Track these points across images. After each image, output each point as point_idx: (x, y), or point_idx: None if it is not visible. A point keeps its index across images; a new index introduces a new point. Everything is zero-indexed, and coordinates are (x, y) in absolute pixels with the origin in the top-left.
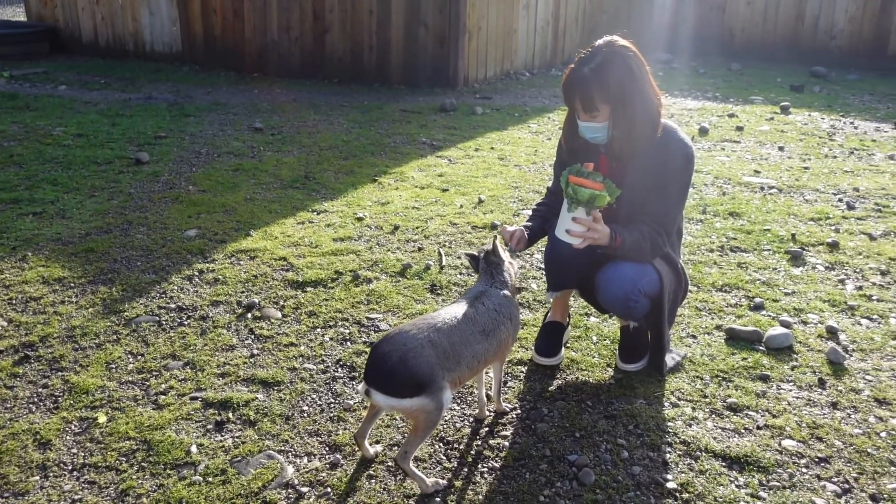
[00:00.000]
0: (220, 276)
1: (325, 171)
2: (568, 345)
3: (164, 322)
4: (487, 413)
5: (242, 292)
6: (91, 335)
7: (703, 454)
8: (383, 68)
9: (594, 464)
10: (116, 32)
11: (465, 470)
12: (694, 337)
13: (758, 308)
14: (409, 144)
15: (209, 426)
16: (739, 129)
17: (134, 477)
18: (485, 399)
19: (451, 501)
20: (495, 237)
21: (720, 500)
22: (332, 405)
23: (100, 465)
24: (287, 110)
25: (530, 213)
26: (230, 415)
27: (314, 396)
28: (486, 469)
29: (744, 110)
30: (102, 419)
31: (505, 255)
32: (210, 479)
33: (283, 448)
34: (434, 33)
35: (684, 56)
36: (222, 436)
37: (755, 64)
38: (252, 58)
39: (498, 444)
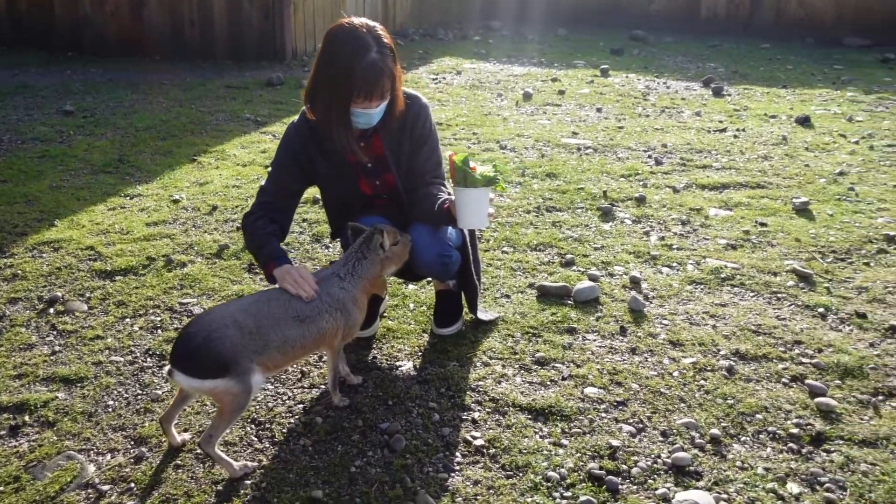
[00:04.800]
0: (18, 272)
1: (140, 153)
2: (385, 314)
3: None
4: (339, 403)
5: (44, 286)
6: None
7: (511, 409)
8: (207, 43)
9: (405, 429)
10: None
11: (277, 449)
12: (508, 297)
13: (569, 264)
14: (232, 121)
15: (2, 432)
16: (561, 92)
17: None
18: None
19: (262, 483)
20: (383, 230)
21: (525, 451)
22: (140, 397)
23: None
24: (102, 91)
25: (262, 233)
26: (26, 418)
27: (120, 390)
28: (298, 447)
29: (566, 74)
30: None
31: (378, 252)
32: (1, 488)
33: (84, 447)
34: (258, 5)
35: (514, 23)
36: (17, 441)
37: (581, 29)
38: (64, 36)
39: (311, 420)
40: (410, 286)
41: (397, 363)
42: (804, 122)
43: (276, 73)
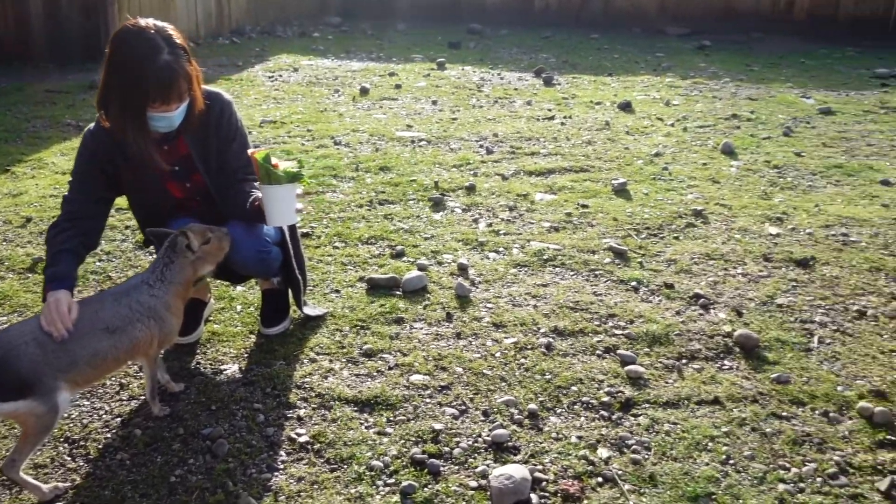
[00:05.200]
0: None
1: None
2: (210, 318)
3: None
4: (158, 412)
5: None
6: None
7: (337, 403)
8: (24, 44)
9: (229, 433)
10: None
11: (92, 467)
12: (338, 291)
13: (399, 255)
14: (51, 128)
15: None
16: (398, 87)
17: None
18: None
19: (75, 503)
20: (187, 231)
21: (350, 443)
22: None
23: None
24: None
25: (57, 249)
26: None
27: None
28: (115, 462)
29: (404, 69)
30: None
31: (186, 255)
32: None
33: None
34: (79, 3)
35: (354, 19)
36: None
37: (420, 24)
38: None
39: (129, 433)
40: (238, 288)
41: (222, 367)
42: (626, 107)
43: None
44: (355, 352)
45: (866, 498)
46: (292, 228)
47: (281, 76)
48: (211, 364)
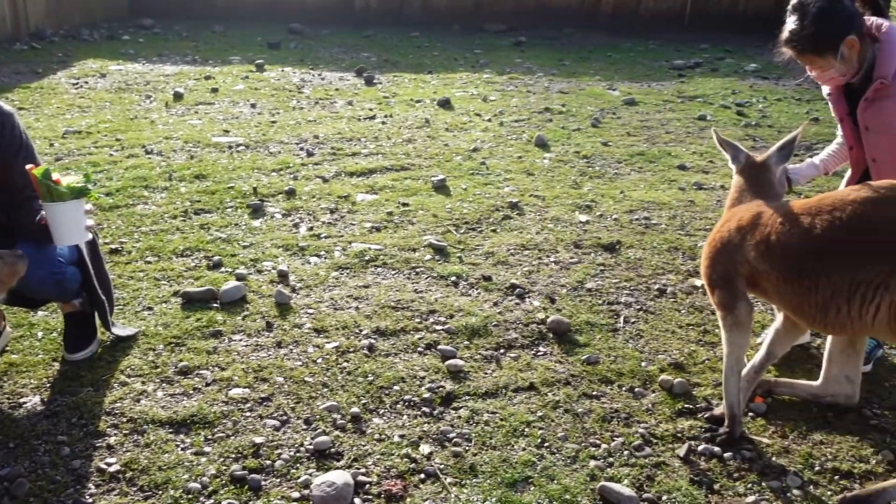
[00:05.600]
0: None
1: None
2: (7, 349)
3: None
4: None
5: None
6: None
7: (150, 426)
8: None
9: (30, 471)
10: None
11: None
12: (150, 308)
13: (216, 266)
14: None
15: None
16: (215, 90)
17: None
18: None
19: None
20: None
21: (165, 467)
22: None
23: None
24: None
25: None
26: None
27: None
28: None
29: (221, 71)
30: None
31: None
32: None
33: None
34: None
35: (167, 21)
36: None
37: (239, 24)
38: None
39: None
40: (40, 313)
41: (21, 400)
42: (445, 104)
43: None
44: (170, 371)
45: (668, 465)
46: (91, 245)
47: (87, 83)
48: (8, 398)
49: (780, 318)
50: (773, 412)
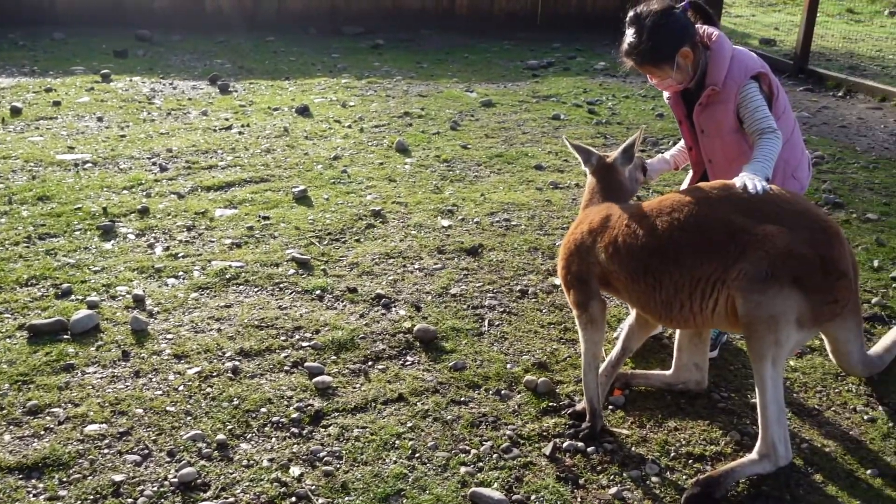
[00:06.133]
0: None
1: None
2: None
3: None
4: None
5: None
6: None
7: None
8: None
9: None
10: None
11: None
12: None
13: (65, 295)
14: None
15: None
16: (57, 103)
17: None
18: None
19: None
20: None
21: None
22: None
23: None
24: None
25: None
26: None
27: None
28: None
29: (63, 83)
30: None
31: None
32: None
33: None
34: None
35: (1, 28)
36: None
37: (82, 31)
38: None
39: None
40: None
41: None
42: (304, 111)
43: None
44: (17, 411)
45: (535, 464)
46: None
47: None
48: None
49: (633, 313)
50: (630, 403)
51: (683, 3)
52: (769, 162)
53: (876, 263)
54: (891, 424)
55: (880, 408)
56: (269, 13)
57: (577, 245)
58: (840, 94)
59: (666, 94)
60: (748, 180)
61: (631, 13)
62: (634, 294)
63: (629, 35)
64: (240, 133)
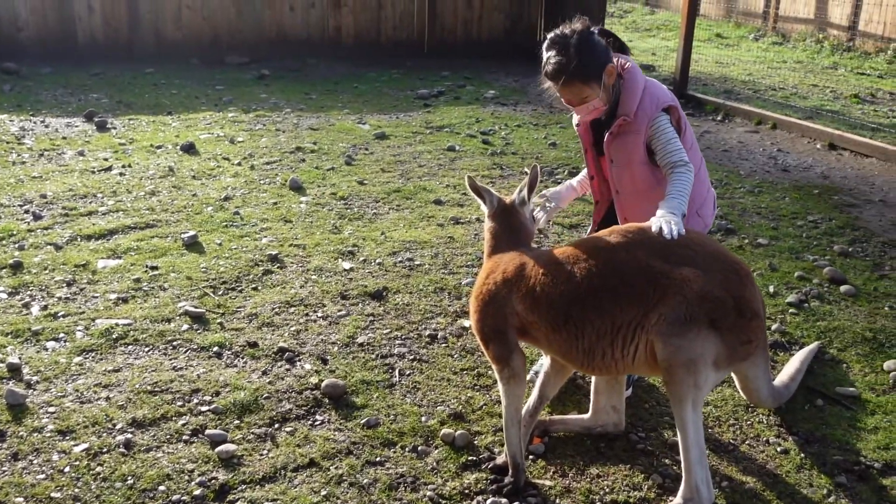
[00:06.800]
0: None
1: None
2: None
3: None
4: None
5: None
6: None
7: None
8: None
9: None
10: None
11: None
12: None
13: None
14: None
15: None
16: None
17: None
18: None
19: None
20: None
21: None
22: None
23: None
24: None
25: None
26: None
27: None
28: None
29: None
30: None
31: None
32: None
33: None
34: None
35: None
36: None
37: None
38: None
39: None
40: None
41: None
42: (190, 149)
43: None
44: None
45: None
46: None
47: None
48: None
49: (548, 360)
50: (551, 451)
51: (596, 28)
52: (684, 197)
53: (771, 289)
54: (802, 455)
55: (791, 438)
56: (148, 43)
57: (491, 296)
58: (719, 118)
59: (575, 120)
60: (664, 223)
61: (551, 35)
62: (555, 344)
63: (553, 55)
64: (121, 174)
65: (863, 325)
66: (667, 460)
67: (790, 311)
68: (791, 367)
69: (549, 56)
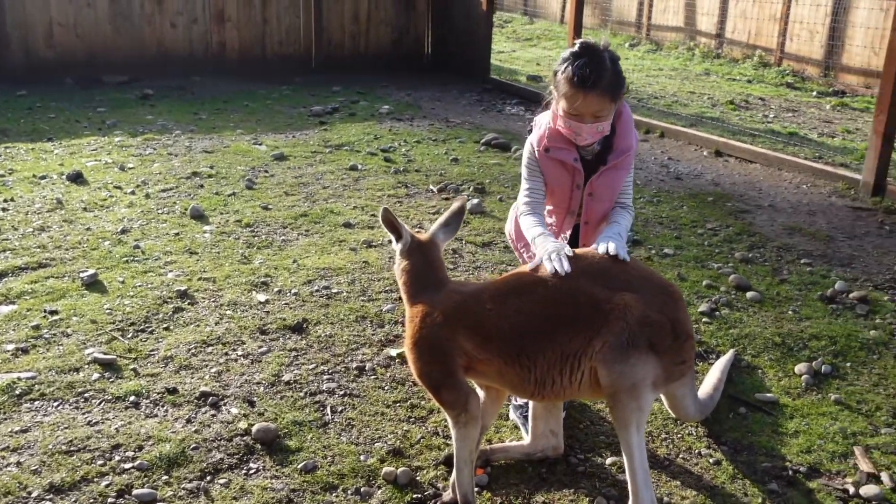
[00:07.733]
0: None
1: None
2: None
3: None
4: None
5: None
6: None
7: None
8: None
9: None
10: None
11: None
12: None
13: None
14: None
15: None
16: None
17: None
18: None
19: None
20: None
21: None
22: None
23: None
24: None
25: None
26: None
27: None
28: None
29: None
30: None
31: None
32: None
33: None
34: None
35: None
36: None
37: None
38: None
39: None
40: None
41: None
42: (77, 178)
43: None
44: None
45: None
46: None
47: None
48: None
49: (482, 391)
50: (494, 481)
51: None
52: (625, 233)
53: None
54: (733, 466)
55: (721, 448)
56: (17, 62)
57: (432, 340)
58: None
59: (543, 145)
60: (611, 245)
61: (582, 43)
62: (507, 377)
63: (587, 62)
64: (3, 209)
65: (771, 330)
66: (607, 481)
67: (703, 319)
68: (712, 377)
69: (580, 62)
